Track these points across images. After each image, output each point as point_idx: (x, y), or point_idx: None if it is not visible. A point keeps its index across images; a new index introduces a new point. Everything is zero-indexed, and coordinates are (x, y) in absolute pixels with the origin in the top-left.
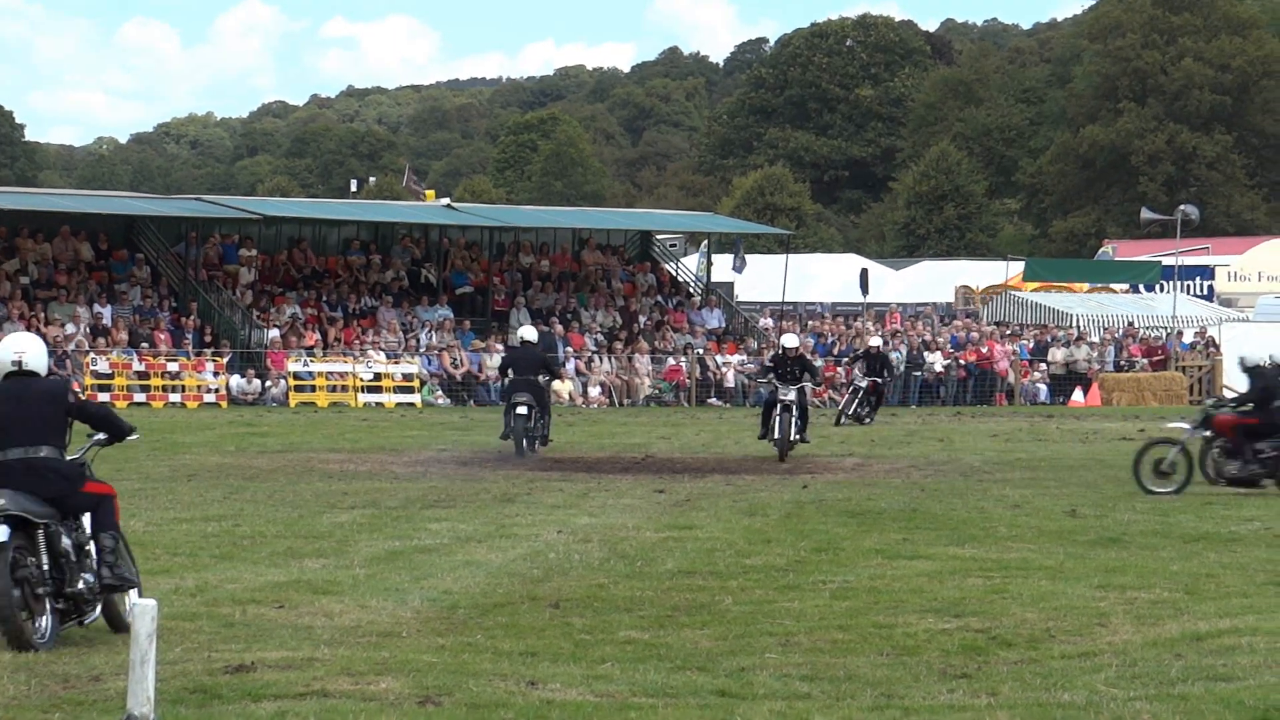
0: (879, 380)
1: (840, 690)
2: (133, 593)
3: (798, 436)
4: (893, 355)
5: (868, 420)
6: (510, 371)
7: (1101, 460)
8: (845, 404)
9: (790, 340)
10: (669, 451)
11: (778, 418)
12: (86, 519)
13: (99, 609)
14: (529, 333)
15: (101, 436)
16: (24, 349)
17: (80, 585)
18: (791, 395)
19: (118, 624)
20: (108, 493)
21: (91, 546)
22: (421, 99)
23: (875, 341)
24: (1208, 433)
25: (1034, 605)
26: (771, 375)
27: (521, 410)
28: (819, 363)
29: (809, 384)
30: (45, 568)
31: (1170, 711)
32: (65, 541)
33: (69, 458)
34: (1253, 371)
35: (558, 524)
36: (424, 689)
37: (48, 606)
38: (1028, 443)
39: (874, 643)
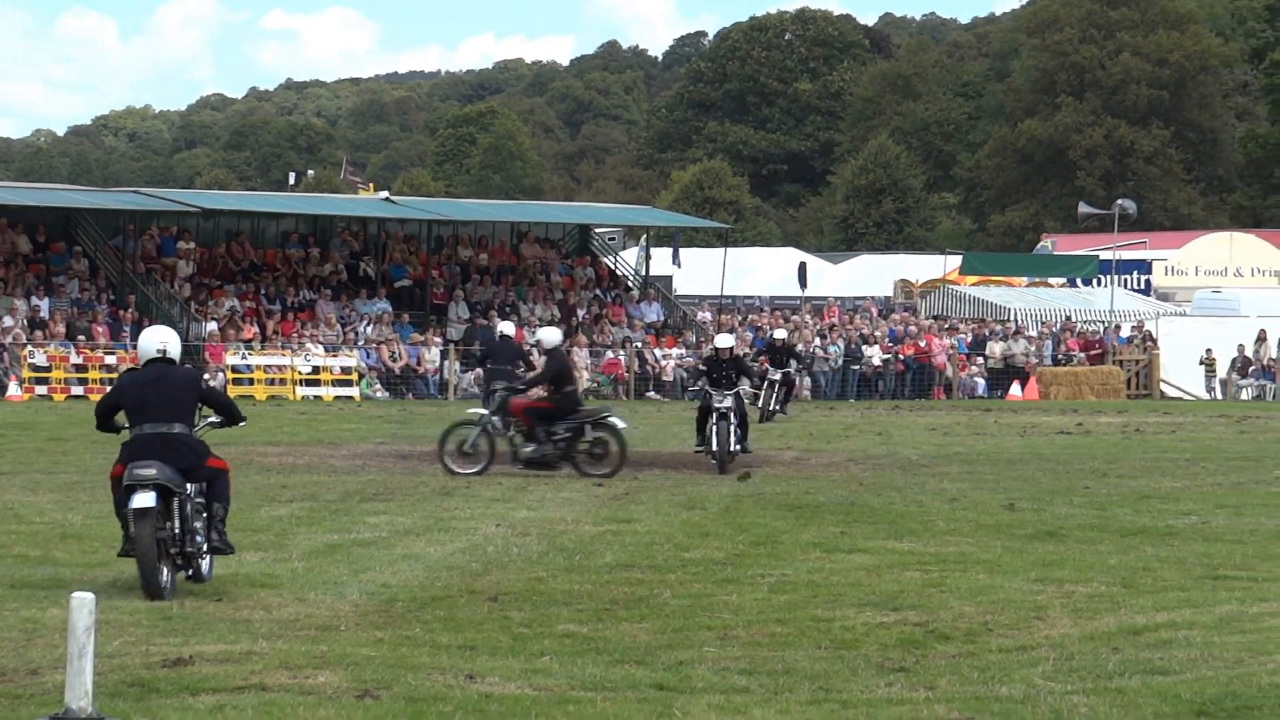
0: (788, 371)
1: (778, 684)
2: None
3: (738, 447)
4: (799, 346)
5: (781, 413)
6: (489, 362)
7: (1039, 454)
8: (764, 399)
9: (724, 340)
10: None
11: (714, 427)
12: (197, 489)
13: (205, 565)
14: (508, 327)
15: (215, 419)
16: (166, 340)
17: (195, 546)
18: (728, 402)
19: (199, 578)
20: (224, 468)
21: (203, 513)
22: (360, 92)
23: (780, 333)
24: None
25: (972, 599)
26: (704, 381)
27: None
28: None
29: (746, 387)
30: (176, 530)
31: (1107, 705)
32: (189, 508)
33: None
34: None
35: (496, 517)
36: (362, 682)
37: (172, 563)
38: (966, 437)
39: (812, 636)
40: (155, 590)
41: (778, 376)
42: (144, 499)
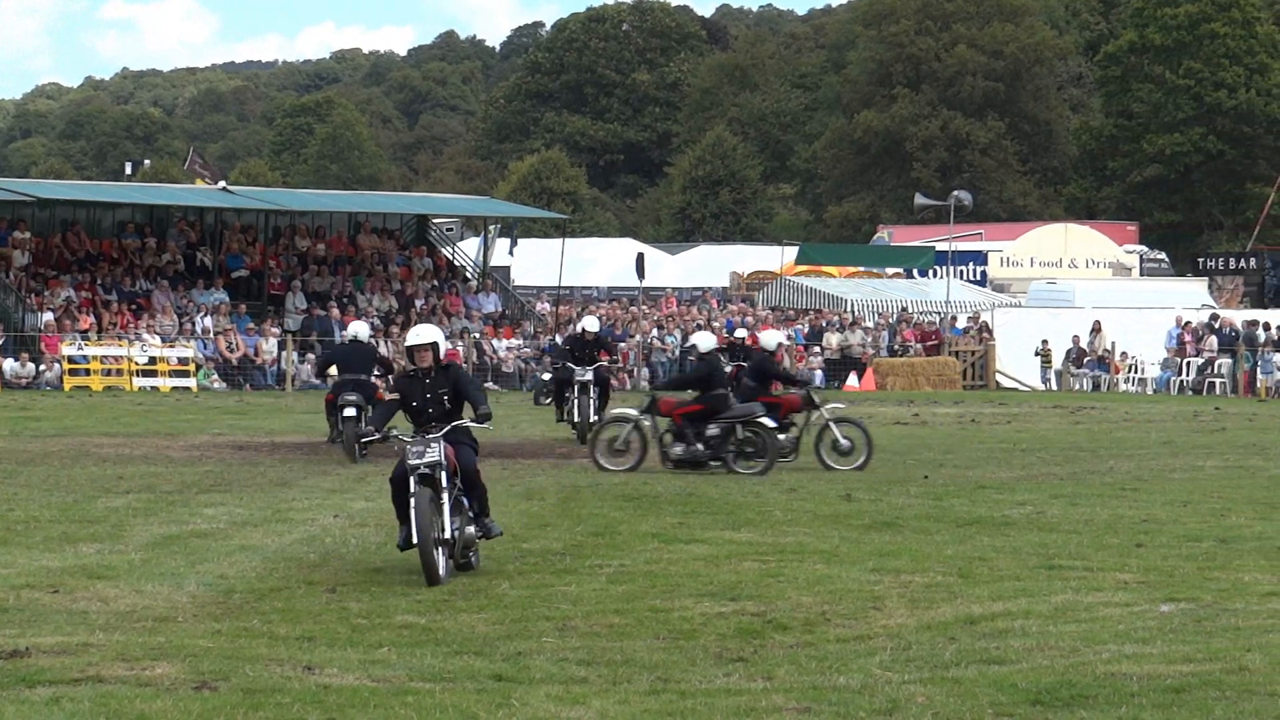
0: (602, 367)
1: (617, 674)
2: None
3: (597, 417)
4: (611, 337)
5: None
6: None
7: (876, 445)
8: (579, 409)
9: (592, 324)
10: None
11: (575, 399)
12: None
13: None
14: (360, 329)
15: (379, 371)
16: (357, 330)
17: (368, 434)
18: (589, 375)
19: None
20: (381, 397)
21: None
22: (197, 81)
23: (590, 323)
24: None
25: (809, 589)
26: (566, 360)
27: (350, 412)
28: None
29: (606, 360)
30: (363, 425)
31: (944, 694)
32: (365, 417)
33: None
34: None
35: (334, 508)
36: (200, 674)
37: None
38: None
39: (651, 627)
40: (352, 454)
41: (588, 376)
42: (350, 411)
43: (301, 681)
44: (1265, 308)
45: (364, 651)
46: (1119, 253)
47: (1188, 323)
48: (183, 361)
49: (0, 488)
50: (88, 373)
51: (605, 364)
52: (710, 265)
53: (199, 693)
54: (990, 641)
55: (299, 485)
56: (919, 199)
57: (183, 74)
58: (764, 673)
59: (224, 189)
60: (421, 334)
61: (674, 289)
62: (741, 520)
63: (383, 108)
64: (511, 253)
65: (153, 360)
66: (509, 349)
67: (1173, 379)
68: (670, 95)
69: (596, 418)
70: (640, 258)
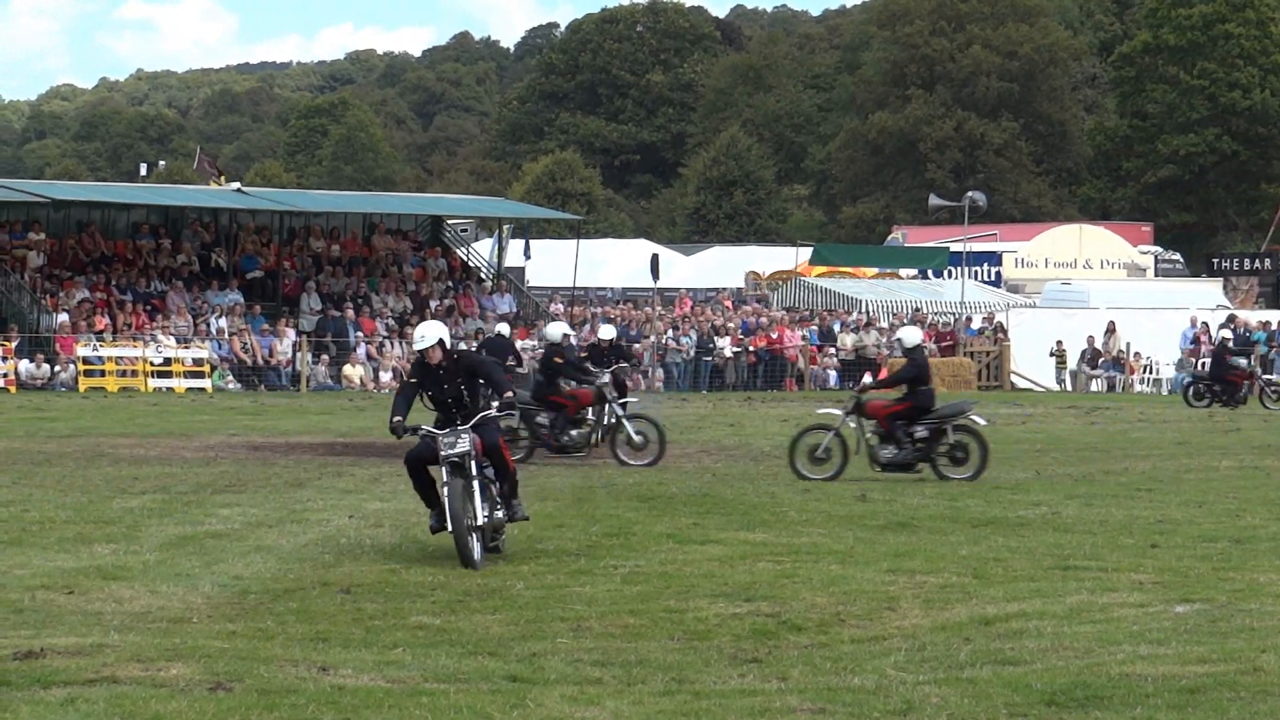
0: (620, 369)
1: (631, 675)
2: None
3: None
4: (634, 345)
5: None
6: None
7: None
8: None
9: (609, 332)
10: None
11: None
12: None
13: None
14: (503, 327)
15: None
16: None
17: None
18: (606, 378)
19: None
20: None
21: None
22: (212, 82)
23: (607, 332)
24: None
25: (824, 589)
26: (588, 364)
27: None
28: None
29: (625, 367)
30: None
31: (958, 695)
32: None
33: None
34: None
35: (349, 509)
36: (215, 675)
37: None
38: None
39: (665, 627)
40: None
41: (605, 378)
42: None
43: (316, 682)
44: None
45: (379, 652)
46: (1134, 253)
47: (1204, 324)
48: (197, 362)
49: (15, 488)
50: (103, 374)
51: (625, 366)
52: (725, 266)
53: (214, 694)
54: (1005, 642)
55: (314, 486)
56: (933, 200)
57: (197, 75)
58: (778, 673)
59: (238, 190)
60: (426, 336)
61: (688, 290)
62: (756, 521)
63: (397, 109)
64: (528, 256)
65: (167, 361)
66: (523, 349)
67: (1187, 380)
68: (684, 96)
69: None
70: (655, 258)
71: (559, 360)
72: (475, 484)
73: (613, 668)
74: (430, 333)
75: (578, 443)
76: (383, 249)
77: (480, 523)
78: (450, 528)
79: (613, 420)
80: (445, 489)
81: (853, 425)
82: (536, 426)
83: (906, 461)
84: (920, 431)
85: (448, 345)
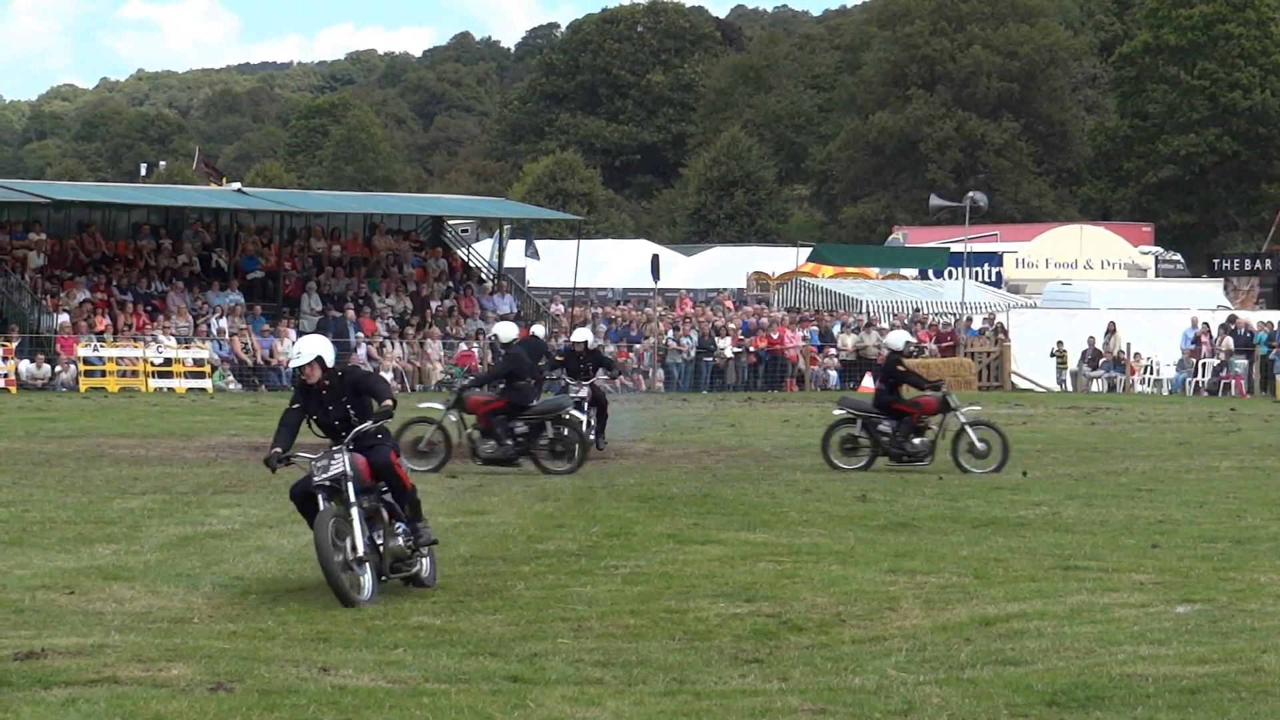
0: (596, 382)
1: (632, 675)
2: None
3: (593, 438)
4: (607, 350)
5: (601, 444)
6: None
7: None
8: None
9: (580, 335)
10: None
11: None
12: None
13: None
14: (538, 329)
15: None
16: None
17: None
18: (584, 392)
19: None
20: None
21: None
22: (212, 82)
23: (583, 335)
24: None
25: (825, 590)
26: (560, 372)
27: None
28: (611, 349)
29: (602, 377)
30: None
31: (959, 695)
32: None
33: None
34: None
35: None
36: (216, 675)
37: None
38: (818, 428)
39: (666, 628)
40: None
41: (582, 393)
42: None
43: (317, 682)
44: None
45: (379, 652)
46: (1134, 254)
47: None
48: (198, 363)
49: (16, 489)
50: (103, 374)
51: (604, 378)
52: (725, 266)
53: (214, 694)
54: (1005, 642)
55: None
56: (934, 200)
57: (198, 75)
58: (779, 674)
59: (239, 190)
60: (303, 353)
61: (689, 290)
62: (757, 521)
63: (397, 109)
64: (537, 256)
65: (168, 362)
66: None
67: (1188, 380)
68: (685, 96)
69: (593, 437)
70: (655, 259)
71: (901, 369)
72: (354, 510)
73: (613, 668)
74: (308, 349)
75: (920, 451)
76: (383, 249)
77: (361, 553)
78: (320, 565)
79: (956, 428)
80: (317, 520)
81: (453, 419)
82: (879, 435)
83: (507, 457)
84: (519, 427)
85: (328, 362)
